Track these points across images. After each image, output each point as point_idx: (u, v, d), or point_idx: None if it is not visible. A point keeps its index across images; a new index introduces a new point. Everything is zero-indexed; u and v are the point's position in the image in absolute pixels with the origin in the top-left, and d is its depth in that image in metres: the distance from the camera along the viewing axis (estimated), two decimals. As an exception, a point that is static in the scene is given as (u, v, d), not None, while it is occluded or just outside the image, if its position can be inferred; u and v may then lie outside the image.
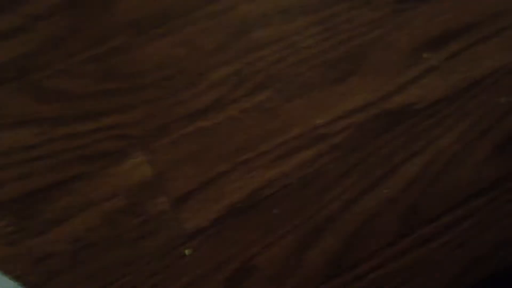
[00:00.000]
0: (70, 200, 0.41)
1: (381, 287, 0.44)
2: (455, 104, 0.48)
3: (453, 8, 0.50)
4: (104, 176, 0.41)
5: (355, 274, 0.44)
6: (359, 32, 0.48)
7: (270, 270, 0.43)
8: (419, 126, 0.47)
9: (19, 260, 0.39)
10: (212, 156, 0.44)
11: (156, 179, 0.42)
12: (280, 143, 0.45)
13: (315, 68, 0.47)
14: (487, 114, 0.47)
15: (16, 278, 0.38)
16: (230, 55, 0.46)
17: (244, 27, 0.47)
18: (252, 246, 0.43)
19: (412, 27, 0.49)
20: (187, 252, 0.41)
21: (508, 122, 0.48)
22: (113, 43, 0.44)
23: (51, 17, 0.44)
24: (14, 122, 0.41)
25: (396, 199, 0.46)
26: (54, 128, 0.41)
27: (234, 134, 0.44)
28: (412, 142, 0.47)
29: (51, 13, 0.44)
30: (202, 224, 0.42)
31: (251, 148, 0.45)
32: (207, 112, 0.44)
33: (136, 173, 0.42)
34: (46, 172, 0.40)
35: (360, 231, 0.45)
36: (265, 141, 0.45)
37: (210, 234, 0.43)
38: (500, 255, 0.44)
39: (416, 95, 0.48)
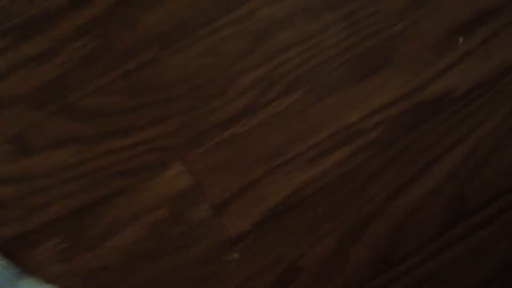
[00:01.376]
0: (116, 214, 0.57)
1: (431, 280, 0.59)
2: (494, 89, 0.62)
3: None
4: (146, 189, 0.58)
5: (403, 268, 0.57)
6: (386, 24, 0.60)
7: (316, 269, 0.58)
8: (458, 115, 0.61)
9: (73, 276, 0.55)
10: (248, 161, 0.59)
11: (196, 188, 0.58)
12: (314, 143, 0.60)
13: (344, 65, 0.61)
14: None
15: (72, 292, 0.55)
16: (256, 60, 0.61)
17: (267, 30, 0.62)
18: (296, 247, 0.58)
19: (442, 12, 0.60)
20: (236, 256, 0.57)
21: None
22: (141, 58, 0.60)
23: (78, 38, 0.60)
24: (54, 144, 0.58)
25: (440, 190, 0.60)
26: (92, 146, 0.58)
27: (267, 138, 0.60)
28: (451, 132, 0.61)
29: (78, 34, 0.60)
30: (245, 228, 0.58)
31: (286, 151, 0.60)
32: (239, 119, 0.60)
33: (176, 183, 0.58)
34: (89, 189, 0.56)
35: (405, 225, 0.59)
36: (300, 143, 0.60)
37: (253, 237, 0.58)
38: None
39: (452, 82, 0.62)
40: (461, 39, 0.59)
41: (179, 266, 0.50)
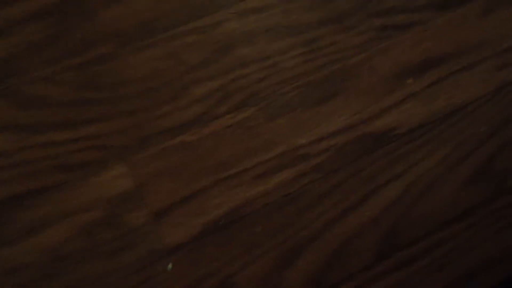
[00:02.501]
0: (47, 210, 0.52)
1: None
2: (436, 130, 0.64)
3: (435, 37, 0.66)
4: (83, 187, 0.53)
5: None
6: (343, 55, 0.63)
7: (250, 287, 0.55)
8: (400, 150, 0.63)
9: None
10: (194, 170, 0.57)
11: (137, 192, 0.55)
12: (262, 161, 0.59)
13: (299, 88, 0.61)
14: (467, 140, 0.62)
15: (-15, 289, 0.49)
16: (215, 71, 0.59)
17: (229, 44, 0.61)
18: (232, 263, 0.55)
19: (396, 53, 0.65)
20: (169, 267, 0.53)
21: (488, 148, 0.64)
22: (96, 52, 0.57)
23: (33, 22, 0.56)
24: None
25: (377, 220, 0.60)
26: (32, 135, 0.53)
27: (216, 150, 0.58)
28: (393, 165, 0.62)
29: (34, 18, 0.57)
30: (182, 239, 0.55)
31: (233, 165, 0.58)
32: (190, 127, 0.57)
33: (116, 185, 0.54)
34: (23, 179, 0.52)
35: (341, 251, 0.58)
36: (247, 159, 0.59)
37: (189, 249, 0.55)
38: (479, 279, 0.59)
39: (398, 119, 0.64)
40: (410, 80, 0.61)
41: (107, 272, 0.46)
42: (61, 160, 0.47)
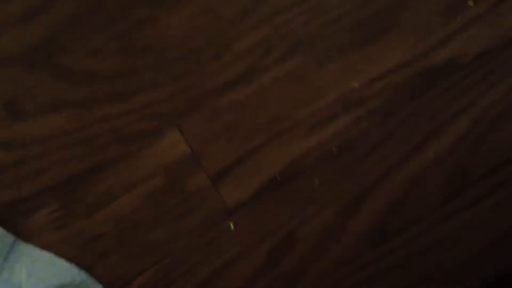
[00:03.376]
0: (112, 183, 0.52)
1: (429, 252, 0.55)
2: (503, 55, 0.57)
3: None
4: (142, 157, 0.53)
5: (401, 240, 0.54)
6: None
7: (313, 241, 0.54)
8: (463, 82, 0.56)
9: (69, 243, 0.51)
10: (246, 129, 0.54)
11: (193, 156, 0.53)
12: (315, 110, 0.55)
13: (347, 28, 0.55)
14: None
15: (69, 260, 0.51)
16: (255, 21, 0.54)
17: (269, -11, 0.55)
18: (293, 219, 0.54)
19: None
20: (231, 226, 0.53)
21: None
22: (133, 18, 0.53)
23: (69, -4, 0.54)
24: (48, 109, 0.52)
25: (442, 160, 0.55)
26: (86, 111, 0.52)
27: (267, 104, 0.54)
28: (456, 100, 0.56)
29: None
30: (242, 198, 0.54)
31: (285, 118, 0.55)
32: (237, 84, 0.54)
33: (172, 152, 0.53)
34: (85, 156, 0.52)
35: (405, 196, 0.55)
36: (299, 110, 0.55)
37: (250, 208, 0.54)
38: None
39: (460, 48, 0.56)
40: (471, 2, 0.54)
41: (174, 236, 0.46)
42: (117, 134, 0.47)
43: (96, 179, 0.48)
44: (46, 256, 0.45)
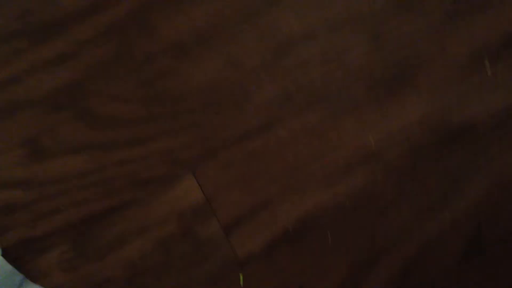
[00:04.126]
0: (124, 226, 0.51)
1: None
2: (520, 117, 0.55)
3: (515, 11, 0.57)
4: (156, 202, 0.52)
5: None
6: (411, 41, 0.56)
7: None
8: (481, 142, 0.55)
9: (76, 286, 0.50)
10: (262, 179, 0.53)
11: (207, 204, 0.52)
12: (330, 163, 0.54)
13: (364, 82, 0.55)
14: None
15: (75, 303, 0.49)
16: (275, 74, 0.55)
17: (289, 42, 0.56)
18: (305, 273, 0.52)
19: (470, 33, 0.56)
20: (241, 278, 0.50)
21: None
22: (159, 67, 0.54)
23: (98, 42, 0.55)
24: (67, 149, 0.52)
25: (459, 222, 0.53)
26: (105, 154, 0.52)
27: (283, 155, 0.54)
28: (474, 160, 0.54)
29: (97, 38, 0.55)
30: (254, 250, 0.52)
31: (301, 170, 0.54)
32: (255, 134, 0.53)
33: (187, 198, 0.52)
34: (100, 198, 0.51)
35: (420, 257, 0.52)
36: (315, 162, 0.54)
37: (261, 260, 0.52)
38: None
39: (476, 108, 0.56)
40: (487, 64, 0.53)
41: (184, 284, 0.43)
42: (133, 177, 0.45)
43: (109, 222, 0.46)
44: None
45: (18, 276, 0.44)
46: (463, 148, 0.50)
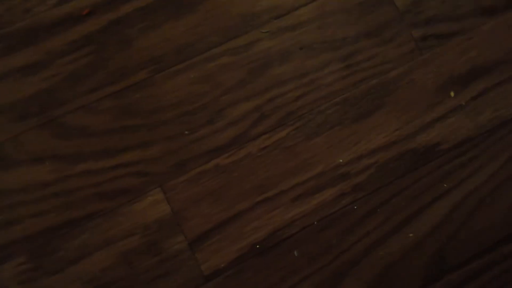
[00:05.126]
0: (87, 238, 0.48)
1: None
2: (483, 144, 0.56)
3: (480, 45, 0.58)
4: (122, 214, 0.49)
5: None
6: (381, 69, 0.56)
7: None
8: (445, 167, 0.55)
9: None
10: (230, 194, 0.52)
11: (174, 218, 0.50)
12: (300, 182, 0.53)
13: (336, 105, 0.55)
14: None
15: (29, 318, 0.46)
16: (251, 91, 0.54)
17: (264, 63, 0.56)
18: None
19: (438, 65, 0.57)
20: None
21: None
22: (133, 79, 0.53)
23: (69, 53, 0.53)
24: (33, 159, 0.49)
25: (422, 243, 0.53)
26: (72, 165, 0.50)
27: (253, 172, 0.53)
28: (438, 183, 0.55)
29: (70, 49, 0.53)
30: (220, 265, 0.50)
31: (271, 187, 0.53)
32: (226, 149, 0.52)
33: (154, 211, 0.50)
34: (63, 209, 0.48)
35: (384, 276, 0.52)
36: (285, 180, 0.53)
37: (227, 275, 0.50)
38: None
39: (442, 134, 0.56)
40: (452, 93, 0.55)
41: (146, 300, 0.41)
42: (99, 189, 0.44)
43: (71, 234, 0.44)
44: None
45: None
46: (428, 173, 0.50)
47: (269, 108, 0.51)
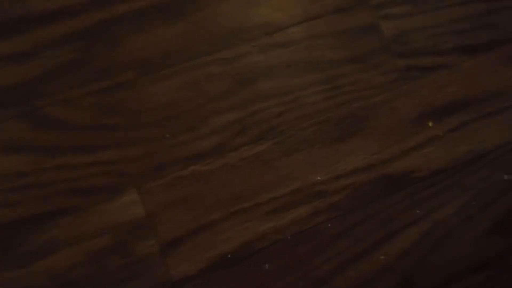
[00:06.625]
0: (56, 234, 0.51)
1: None
2: (457, 176, 0.61)
3: (460, 81, 0.64)
4: (94, 212, 0.52)
5: None
6: (364, 94, 0.61)
7: None
8: (418, 194, 0.60)
9: None
10: (206, 202, 0.55)
11: (147, 220, 0.53)
12: (276, 196, 0.57)
13: (318, 124, 0.60)
14: (488, 189, 0.60)
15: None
16: (234, 103, 0.58)
17: (251, 77, 0.60)
18: None
19: (419, 95, 0.62)
20: None
21: (509, 199, 0.61)
22: (118, 79, 0.56)
23: (59, 47, 0.57)
24: (9, 148, 0.52)
25: (392, 266, 0.57)
26: (48, 157, 0.52)
27: (230, 182, 0.56)
28: (411, 210, 0.59)
29: (58, 43, 0.57)
30: (189, 272, 0.53)
31: (246, 199, 0.56)
32: (205, 157, 0.56)
33: (127, 212, 0.53)
34: (35, 202, 0.51)
35: (352, 296, 0.55)
36: (261, 193, 0.57)
37: (195, 284, 0.53)
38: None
39: (418, 163, 0.61)
40: (430, 124, 0.58)
41: (110, 301, 0.43)
42: (74, 184, 0.46)
43: (39, 228, 0.46)
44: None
45: None
46: (402, 199, 0.54)
47: (251, 121, 0.54)
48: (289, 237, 0.50)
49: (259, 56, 0.56)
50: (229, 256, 0.48)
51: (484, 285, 0.51)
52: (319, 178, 0.53)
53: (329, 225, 0.51)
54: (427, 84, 0.59)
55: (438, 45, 0.57)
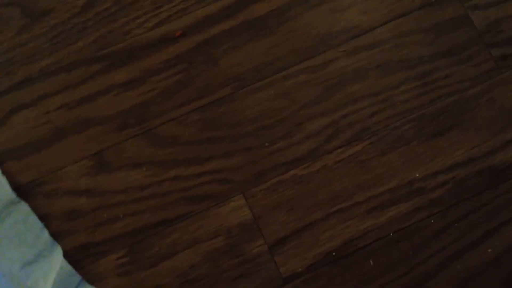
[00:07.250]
0: (176, 237, 0.59)
1: None
2: None
3: None
4: (207, 217, 0.59)
5: None
6: (459, 88, 0.62)
7: None
8: (526, 185, 0.60)
9: None
10: (306, 203, 0.60)
11: (254, 223, 0.60)
12: (374, 195, 0.60)
13: (412, 122, 0.62)
14: None
15: (126, 306, 0.56)
16: (326, 108, 0.63)
17: (340, 81, 0.64)
18: None
19: (516, 82, 0.63)
20: None
21: None
22: (217, 95, 0.63)
23: (163, 71, 0.65)
24: (132, 164, 0.61)
25: (500, 259, 0.58)
26: (164, 170, 0.61)
27: (329, 183, 0.61)
28: (517, 202, 0.59)
29: (163, 67, 0.65)
30: (297, 269, 0.58)
31: (345, 199, 0.60)
32: (302, 162, 0.61)
33: (235, 216, 0.59)
34: (157, 210, 0.59)
35: (462, 289, 0.56)
36: (359, 192, 0.60)
37: (303, 280, 0.58)
38: None
39: (523, 153, 0.61)
40: None
41: (229, 297, 0.50)
42: (188, 193, 0.53)
43: (163, 233, 0.54)
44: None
45: (77, 277, 0.52)
46: (507, 190, 0.55)
47: (344, 123, 0.57)
48: (391, 234, 0.53)
49: (347, 60, 0.59)
50: (333, 253, 0.53)
51: None
52: (417, 175, 0.55)
53: (432, 221, 0.53)
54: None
55: (536, 29, 0.57)
